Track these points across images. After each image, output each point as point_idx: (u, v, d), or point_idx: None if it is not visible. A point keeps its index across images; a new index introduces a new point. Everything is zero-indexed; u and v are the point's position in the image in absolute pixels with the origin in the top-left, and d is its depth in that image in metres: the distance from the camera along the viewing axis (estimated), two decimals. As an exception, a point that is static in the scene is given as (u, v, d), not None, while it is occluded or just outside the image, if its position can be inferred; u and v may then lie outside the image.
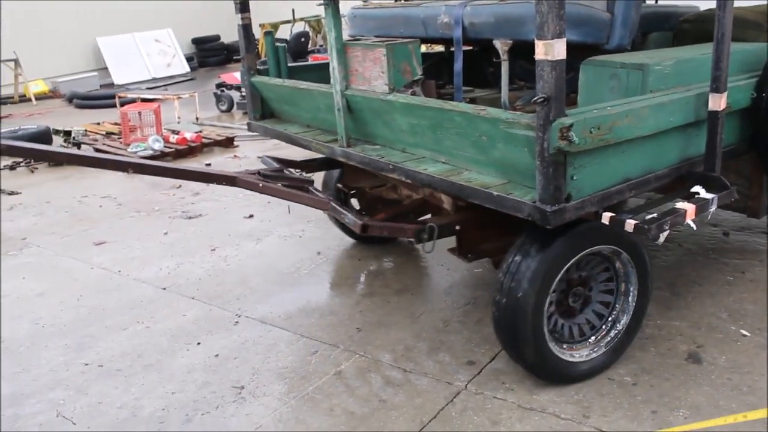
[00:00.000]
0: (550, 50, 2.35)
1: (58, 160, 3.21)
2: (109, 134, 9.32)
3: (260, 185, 3.53)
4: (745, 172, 3.90)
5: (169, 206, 6.31)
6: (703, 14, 4.26)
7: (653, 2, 5.40)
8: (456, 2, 3.80)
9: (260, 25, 14.60)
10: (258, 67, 4.36)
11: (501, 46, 3.47)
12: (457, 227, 3.38)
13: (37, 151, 3.26)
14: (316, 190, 3.74)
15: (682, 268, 4.28)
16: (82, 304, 4.31)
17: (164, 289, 4.47)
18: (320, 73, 4.35)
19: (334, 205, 3.48)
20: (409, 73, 3.27)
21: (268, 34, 4.35)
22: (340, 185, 4.54)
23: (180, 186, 6.93)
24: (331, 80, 3.43)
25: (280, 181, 3.76)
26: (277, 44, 4.34)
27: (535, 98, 2.41)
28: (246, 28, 4.25)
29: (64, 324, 4.06)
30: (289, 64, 4.39)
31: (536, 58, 2.38)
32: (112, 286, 4.58)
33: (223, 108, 11.17)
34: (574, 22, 3.37)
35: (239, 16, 4.23)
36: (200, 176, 3.57)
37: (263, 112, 4.45)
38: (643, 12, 4.07)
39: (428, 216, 3.77)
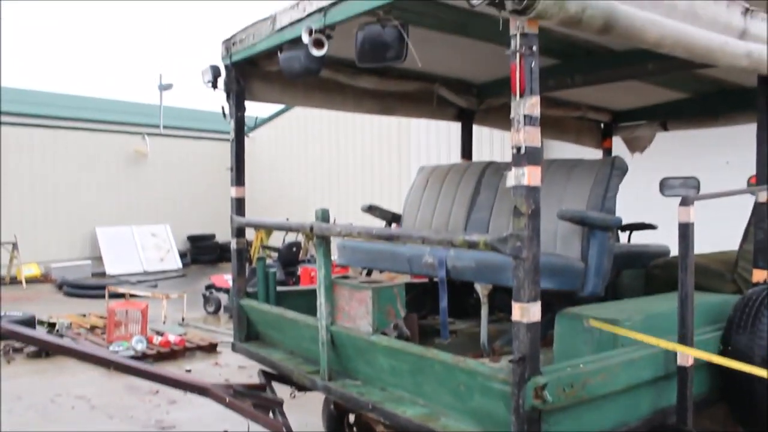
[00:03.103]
0: (526, 313, 2.52)
1: (49, 349, 3.74)
2: (93, 328, 9.45)
3: (227, 400, 3.80)
4: (719, 417, 3.94)
5: (144, 413, 6.17)
6: (671, 261, 4.53)
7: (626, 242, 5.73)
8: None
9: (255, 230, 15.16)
10: (248, 289, 4.51)
11: (481, 290, 3.68)
12: None
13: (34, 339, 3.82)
14: (281, 413, 3.94)
15: None
16: None
17: None
18: (307, 299, 4.48)
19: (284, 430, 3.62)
20: (392, 315, 3.42)
21: (261, 260, 4.56)
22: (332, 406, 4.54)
23: (157, 392, 6.83)
24: (318, 314, 3.57)
25: (250, 398, 3.97)
26: (268, 269, 4.52)
27: (511, 359, 2.54)
28: (240, 252, 4.47)
29: None
30: (278, 289, 4.54)
31: (512, 319, 2.55)
32: (73, 505, 4.38)
33: (210, 310, 11.34)
34: (550, 271, 3.59)
35: (234, 240, 4.47)
36: (175, 383, 3.92)
37: (248, 332, 4.53)
38: (616, 251, 4.30)
39: None
